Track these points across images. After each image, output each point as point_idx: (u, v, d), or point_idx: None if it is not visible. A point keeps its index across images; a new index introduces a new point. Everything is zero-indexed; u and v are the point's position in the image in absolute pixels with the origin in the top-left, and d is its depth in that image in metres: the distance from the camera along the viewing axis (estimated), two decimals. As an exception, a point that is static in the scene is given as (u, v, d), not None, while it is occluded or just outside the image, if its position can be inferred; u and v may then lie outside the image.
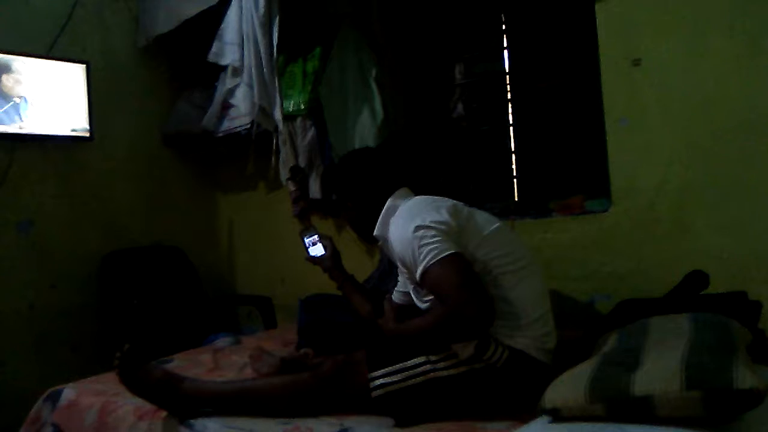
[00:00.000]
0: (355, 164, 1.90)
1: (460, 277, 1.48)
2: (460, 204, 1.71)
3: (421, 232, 1.54)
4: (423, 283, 1.56)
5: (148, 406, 1.72)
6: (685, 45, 2.12)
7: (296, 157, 2.99)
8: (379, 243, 1.84)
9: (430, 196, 1.76)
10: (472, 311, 1.44)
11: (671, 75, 2.15)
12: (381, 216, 1.76)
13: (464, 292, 1.45)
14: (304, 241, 2.13)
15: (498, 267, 1.59)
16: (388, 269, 2.39)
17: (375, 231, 1.79)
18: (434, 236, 1.53)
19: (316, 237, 2.13)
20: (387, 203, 1.76)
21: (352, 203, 1.87)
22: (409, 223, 1.58)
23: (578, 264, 2.36)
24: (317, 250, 2.11)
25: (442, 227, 1.56)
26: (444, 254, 1.50)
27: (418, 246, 1.53)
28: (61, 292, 2.91)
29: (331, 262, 2.09)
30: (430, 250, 1.51)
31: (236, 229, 3.58)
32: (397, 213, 1.72)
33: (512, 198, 2.86)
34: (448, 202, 1.69)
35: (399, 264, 1.73)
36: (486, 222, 1.68)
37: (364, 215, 1.83)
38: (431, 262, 1.50)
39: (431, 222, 1.56)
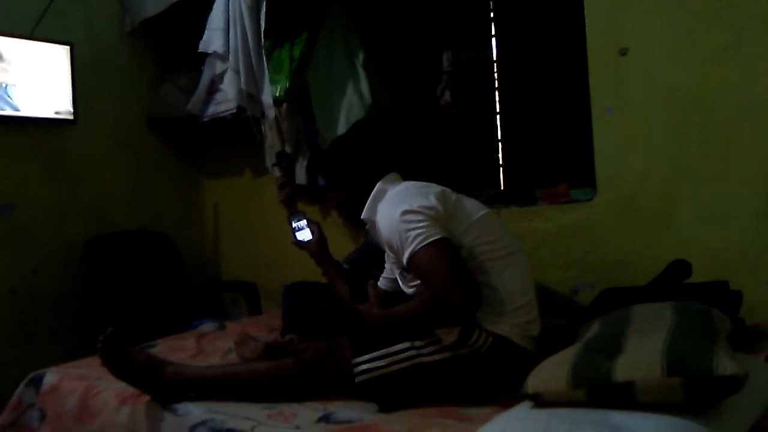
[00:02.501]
0: (347, 148, 1.91)
1: (446, 262, 1.48)
2: (448, 190, 1.72)
3: (408, 217, 1.55)
4: (409, 268, 1.57)
5: (130, 390, 1.71)
6: (672, 35, 2.13)
7: (282, 142, 2.97)
8: (367, 226, 1.84)
9: (419, 182, 1.76)
10: (457, 296, 1.45)
11: (657, 65, 2.16)
12: (370, 199, 1.76)
13: (450, 277, 1.46)
14: (291, 225, 2.13)
15: (484, 253, 1.61)
16: (371, 255, 2.39)
17: (363, 214, 1.78)
18: (422, 221, 1.53)
19: (303, 222, 2.12)
20: (376, 187, 1.76)
21: (342, 187, 1.87)
22: (397, 208, 1.58)
23: (563, 252, 2.38)
24: (304, 235, 2.11)
25: (430, 212, 1.56)
26: (431, 239, 1.50)
27: (405, 230, 1.54)
28: (43, 276, 2.88)
29: (318, 247, 2.09)
30: (418, 235, 1.51)
31: (221, 215, 3.56)
32: (385, 197, 1.72)
33: (498, 186, 2.86)
34: (437, 188, 1.70)
35: (386, 248, 1.73)
36: (473, 208, 1.69)
37: (353, 199, 1.83)
38: (418, 247, 1.50)
39: (419, 207, 1.56)
